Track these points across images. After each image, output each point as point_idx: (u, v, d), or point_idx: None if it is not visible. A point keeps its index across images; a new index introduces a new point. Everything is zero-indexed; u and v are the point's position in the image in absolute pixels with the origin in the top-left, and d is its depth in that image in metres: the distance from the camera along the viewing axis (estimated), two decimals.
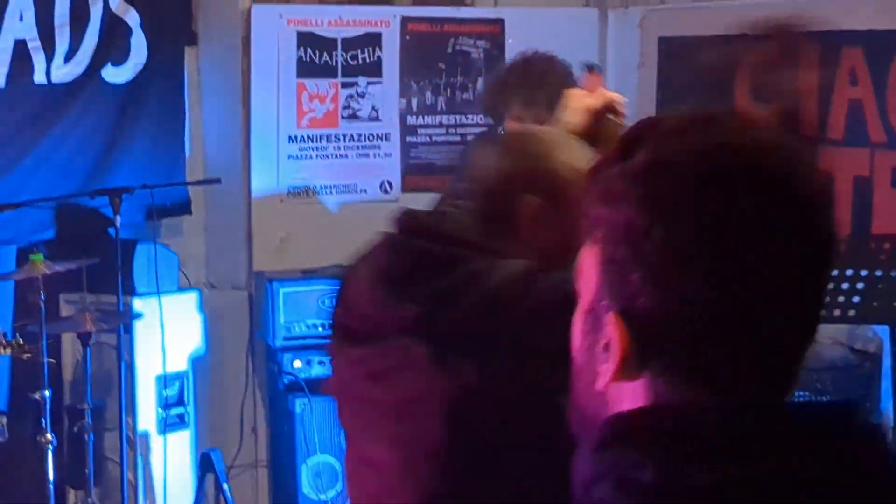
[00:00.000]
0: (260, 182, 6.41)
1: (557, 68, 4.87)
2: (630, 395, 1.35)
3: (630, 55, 6.77)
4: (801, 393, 5.30)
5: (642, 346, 1.33)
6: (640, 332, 1.33)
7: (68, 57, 6.02)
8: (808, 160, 1.37)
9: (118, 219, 5.55)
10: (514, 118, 4.81)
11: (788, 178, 1.33)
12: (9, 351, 4.45)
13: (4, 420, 4.84)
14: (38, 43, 5.91)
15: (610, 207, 1.33)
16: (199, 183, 6.30)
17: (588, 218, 1.37)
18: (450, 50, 6.68)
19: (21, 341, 4.53)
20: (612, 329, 1.34)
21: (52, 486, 5.08)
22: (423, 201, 5.78)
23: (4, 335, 4.63)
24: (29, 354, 4.68)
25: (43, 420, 5.01)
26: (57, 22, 5.97)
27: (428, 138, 6.70)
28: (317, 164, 6.51)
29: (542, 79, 4.81)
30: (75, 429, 5.59)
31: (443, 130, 6.71)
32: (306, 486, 5.97)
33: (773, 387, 1.34)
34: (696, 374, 1.32)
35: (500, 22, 6.76)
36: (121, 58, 6.19)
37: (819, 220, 1.34)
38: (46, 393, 5.00)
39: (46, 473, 5.05)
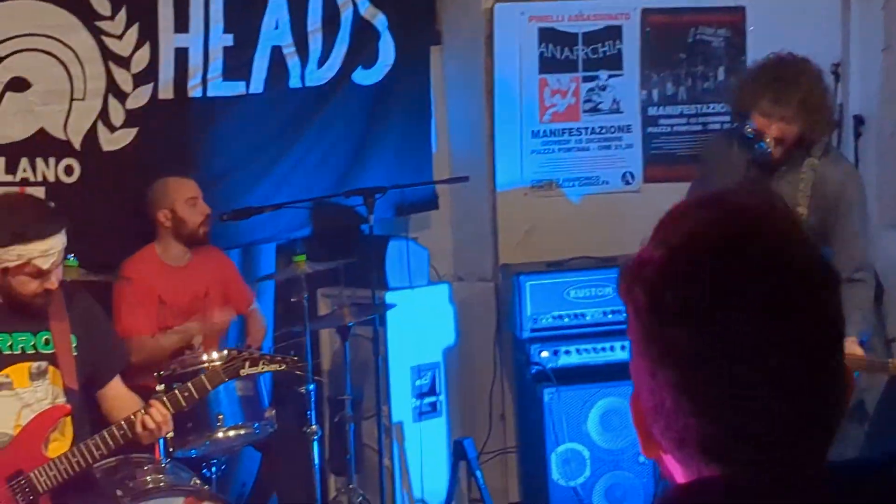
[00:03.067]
0: (504, 176, 6.56)
1: (812, 70, 4.93)
2: (671, 463, 1.41)
3: (874, 39, 6.64)
4: None
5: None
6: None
7: (321, 61, 6.27)
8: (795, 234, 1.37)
9: (371, 217, 5.73)
10: (761, 114, 4.86)
11: (773, 252, 1.34)
12: (284, 367, 4.63)
13: (273, 412, 5.09)
14: (294, 49, 6.17)
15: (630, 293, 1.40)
16: (447, 181, 6.46)
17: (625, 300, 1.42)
18: (690, 40, 6.69)
19: (294, 357, 4.71)
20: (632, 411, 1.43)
21: (317, 473, 5.32)
22: (665, 192, 5.85)
23: (279, 353, 4.82)
24: (301, 372, 4.89)
25: (308, 412, 5.25)
26: (310, 28, 6.22)
27: (669, 128, 6.73)
28: (559, 157, 6.63)
29: (796, 78, 4.87)
30: (336, 418, 5.86)
31: (684, 120, 6.74)
32: (555, 473, 6.07)
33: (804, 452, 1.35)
34: (710, 451, 1.35)
35: (740, 10, 6.73)
36: (370, 60, 6.41)
37: (809, 295, 1.34)
38: (311, 387, 5.24)
39: (312, 461, 5.28)
